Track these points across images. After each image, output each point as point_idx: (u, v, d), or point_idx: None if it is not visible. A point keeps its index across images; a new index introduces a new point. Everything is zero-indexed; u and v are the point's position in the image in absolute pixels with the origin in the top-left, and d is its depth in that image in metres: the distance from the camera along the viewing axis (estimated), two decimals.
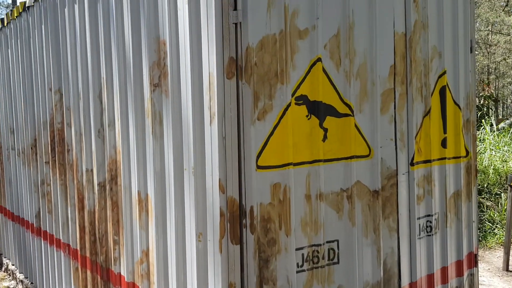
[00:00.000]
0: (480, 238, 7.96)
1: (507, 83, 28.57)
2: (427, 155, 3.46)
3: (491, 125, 13.29)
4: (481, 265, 7.00)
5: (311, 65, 2.80)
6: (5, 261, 7.04)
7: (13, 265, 6.65)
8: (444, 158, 3.61)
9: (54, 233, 5.01)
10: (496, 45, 23.55)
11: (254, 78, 2.59)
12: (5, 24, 6.07)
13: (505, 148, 11.11)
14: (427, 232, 3.48)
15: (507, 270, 6.86)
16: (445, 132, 3.61)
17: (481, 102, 18.81)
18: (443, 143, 3.60)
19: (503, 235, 7.80)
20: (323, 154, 2.86)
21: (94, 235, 4.11)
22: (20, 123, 5.84)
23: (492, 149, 11.09)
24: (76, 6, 4.08)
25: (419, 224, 3.41)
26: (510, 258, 6.94)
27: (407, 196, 3.32)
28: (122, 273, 3.66)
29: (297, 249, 2.78)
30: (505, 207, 8.40)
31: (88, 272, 4.27)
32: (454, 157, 3.71)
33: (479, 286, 4.77)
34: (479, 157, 10.48)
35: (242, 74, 2.58)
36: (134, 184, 3.39)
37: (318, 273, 2.88)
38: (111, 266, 3.82)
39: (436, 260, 3.54)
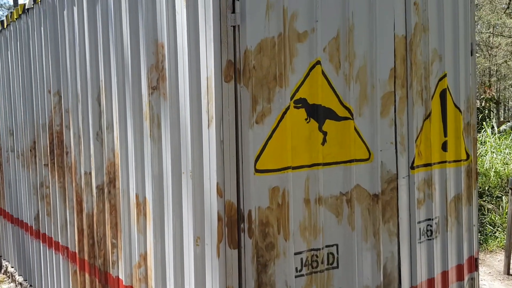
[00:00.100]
0: (481, 242, 7.92)
1: (509, 85, 28.57)
2: (427, 158, 3.43)
3: (492, 127, 13.26)
4: (482, 269, 6.96)
5: (310, 68, 2.77)
6: (4, 263, 7.02)
7: (12, 267, 6.64)
8: (445, 162, 3.59)
9: (52, 236, 5.00)
10: (497, 47, 23.56)
11: (253, 82, 2.57)
12: (5, 26, 6.06)
13: (507, 151, 11.06)
14: (428, 236, 3.46)
15: (508, 273, 6.82)
16: (445, 135, 3.59)
17: (483, 105, 18.79)
18: (444, 147, 3.58)
19: (504, 238, 7.77)
20: (323, 157, 2.84)
21: (92, 238, 4.09)
22: (19, 125, 5.83)
23: (493, 152, 11.05)
24: (75, 9, 4.07)
25: (420, 228, 3.39)
26: (511, 262, 6.90)
27: (407, 200, 3.30)
28: (120, 277, 3.64)
29: (295, 254, 2.76)
30: (506, 210, 8.36)
31: (87, 275, 4.25)
32: (454, 161, 3.69)
33: None
34: (480, 159, 10.45)
35: (240, 78, 2.56)
36: (132, 187, 3.37)
37: (317, 277, 2.85)
38: (109, 269, 3.80)
39: (436, 264, 3.52)
